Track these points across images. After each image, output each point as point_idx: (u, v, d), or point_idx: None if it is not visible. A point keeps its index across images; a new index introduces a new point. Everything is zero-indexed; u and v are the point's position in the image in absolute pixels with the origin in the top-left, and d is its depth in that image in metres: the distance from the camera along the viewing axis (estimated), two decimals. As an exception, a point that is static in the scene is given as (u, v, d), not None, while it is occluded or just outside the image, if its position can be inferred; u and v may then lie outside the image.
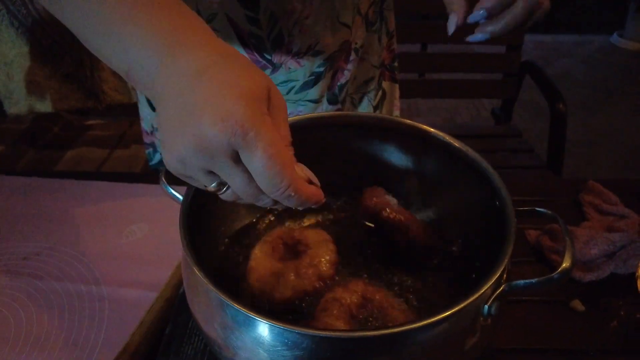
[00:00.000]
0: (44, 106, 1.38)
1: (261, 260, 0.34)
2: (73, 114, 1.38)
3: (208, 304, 0.25)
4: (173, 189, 0.34)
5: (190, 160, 0.26)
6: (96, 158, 1.20)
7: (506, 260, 0.24)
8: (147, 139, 0.77)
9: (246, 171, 0.26)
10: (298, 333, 0.21)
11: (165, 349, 0.37)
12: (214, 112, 0.24)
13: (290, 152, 0.27)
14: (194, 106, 0.25)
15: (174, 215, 0.60)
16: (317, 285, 0.32)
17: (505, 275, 0.25)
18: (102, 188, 0.67)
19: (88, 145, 1.24)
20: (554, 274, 0.23)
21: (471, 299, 0.22)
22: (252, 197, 0.27)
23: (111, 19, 0.28)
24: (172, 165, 0.27)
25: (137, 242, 0.58)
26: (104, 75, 1.34)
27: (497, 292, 0.23)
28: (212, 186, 0.28)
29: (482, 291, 0.22)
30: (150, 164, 0.79)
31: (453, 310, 0.21)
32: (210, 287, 0.23)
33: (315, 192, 0.28)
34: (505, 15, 0.39)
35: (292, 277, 0.32)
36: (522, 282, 0.23)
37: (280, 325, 0.21)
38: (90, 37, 0.30)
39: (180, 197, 0.30)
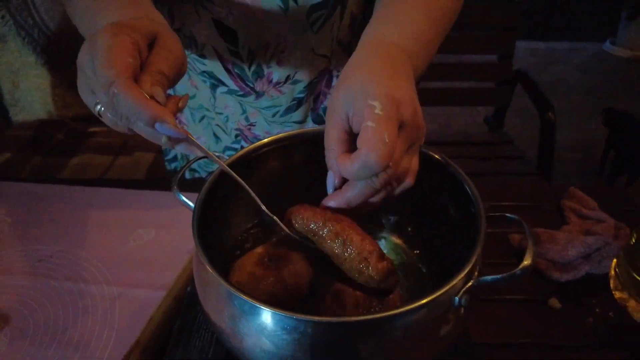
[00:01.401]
0: (49, 113, 1.41)
1: (245, 265, 0.36)
2: (77, 121, 1.41)
3: (218, 297, 0.29)
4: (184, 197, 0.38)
5: (79, 83, 0.34)
6: (100, 165, 1.23)
7: (474, 259, 0.27)
8: None
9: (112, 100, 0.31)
10: (296, 319, 0.24)
11: (175, 343, 0.40)
12: (88, 38, 0.32)
13: (132, 62, 0.31)
14: (83, 47, 0.33)
15: (178, 221, 0.64)
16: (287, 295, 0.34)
17: (475, 272, 0.28)
18: (109, 194, 0.71)
19: (92, 152, 1.27)
20: (516, 270, 0.27)
21: (443, 290, 0.25)
22: (107, 106, 0.32)
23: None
24: (81, 95, 0.35)
25: (144, 245, 0.61)
26: (108, 84, 1.38)
27: (467, 285, 0.27)
28: (95, 106, 0.34)
29: (452, 284, 0.26)
30: (165, 157, 0.83)
31: (427, 300, 0.25)
32: (221, 281, 0.27)
33: (147, 103, 0.30)
34: (347, 192, 0.35)
35: (269, 283, 0.34)
36: (489, 277, 0.27)
37: (281, 312, 0.25)
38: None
39: (191, 204, 0.34)
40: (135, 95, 0.30)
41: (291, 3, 0.53)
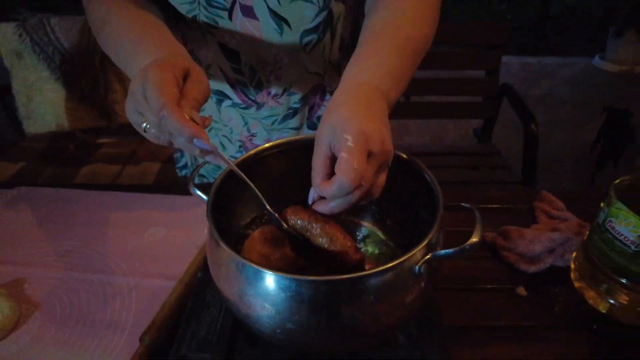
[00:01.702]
0: (60, 126, 1.49)
1: (254, 243, 0.44)
2: (86, 133, 1.49)
3: (229, 270, 0.35)
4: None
5: (128, 103, 0.42)
6: (109, 173, 1.30)
7: (430, 236, 0.34)
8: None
9: (149, 104, 0.39)
10: (290, 279, 0.31)
11: (188, 319, 0.47)
12: (141, 72, 0.41)
13: (177, 93, 0.40)
14: (135, 80, 0.42)
15: (186, 222, 0.71)
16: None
17: (435, 247, 0.35)
18: (122, 197, 0.78)
19: (101, 162, 1.35)
20: (465, 245, 0.33)
21: (405, 257, 0.32)
22: (154, 124, 0.40)
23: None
24: (127, 112, 0.44)
25: (156, 242, 0.68)
26: (117, 97, 1.46)
27: (426, 257, 0.33)
28: (141, 124, 0.42)
29: (412, 253, 0.33)
30: (176, 165, 0.90)
31: (392, 264, 0.31)
32: (233, 254, 0.33)
33: (189, 124, 0.38)
34: (328, 203, 0.41)
35: (277, 258, 0.43)
36: (442, 251, 0.34)
37: (279, 274, 0.31)
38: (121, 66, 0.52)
39: (205, 197, 0.41)
40: (180, 118, 0.38)
41: (286, 28, 0.61)
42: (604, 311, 0.55)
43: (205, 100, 0.43)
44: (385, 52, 0.46)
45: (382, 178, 0.39)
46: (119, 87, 1.44)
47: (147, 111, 0.40)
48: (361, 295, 0.32)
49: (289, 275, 0.31)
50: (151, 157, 1.35)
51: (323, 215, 0.41)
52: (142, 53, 0.48)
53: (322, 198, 0.40)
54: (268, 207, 0.42)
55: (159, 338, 0.49)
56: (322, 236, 0.42)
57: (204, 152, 0.40)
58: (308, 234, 0.42)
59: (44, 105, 1.47)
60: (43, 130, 1.50)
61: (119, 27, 0.53)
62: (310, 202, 0.42)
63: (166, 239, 0.68)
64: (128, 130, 1.52)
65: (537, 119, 1.35)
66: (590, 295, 0.56)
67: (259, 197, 0.41)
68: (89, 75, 1.44)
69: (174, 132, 0.39)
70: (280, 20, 0.60)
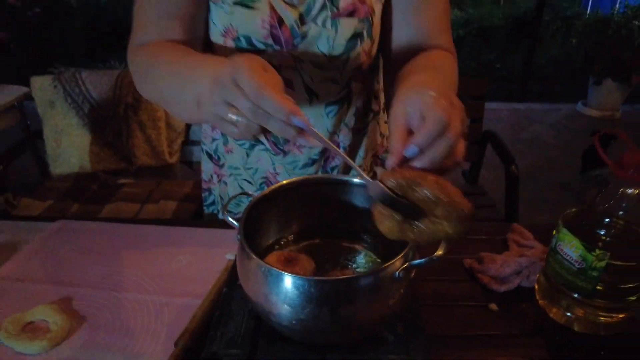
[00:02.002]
0: (82, 167, 1.63)
1: (271, 261, 0.55)
2: (107, 174, 1.63)
3: (257, 276, 0.47)
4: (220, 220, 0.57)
5: (214, 97, 0.44)
6: (130, 211, 1.42)
7: (406, 250, 0.46)
8: (204, 185, 1.00)
9: (242, 91, 0.42)
10: (301, 278, 0.42)
11: (216, 324, 0.57)
12: (228, 64, 0.44)
13: (268, 79, 0.42)
14: (218, 73, 0.45)
15: (209, 251, 0.82)
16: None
17: (411, 257, 0.47)
18: (151, 229, 0.89)
19: (122, 201, 1.48)
20: (433, 256, 0.45)
21: (387, 264, 0.44)
22: (248, 110, 0.42)
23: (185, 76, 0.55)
24: (209, 109, 0.46)
25: (183, 267, 0.79)
26: (137, 142, 1.61)
27: (403, 266, 0.45)
28: (229, 115, 0.44)
29: (392, 262, 0.44)
30: (205, 203, 1.01)
31: (378, 269, 0.43)
32: (260, 261, 0.45)
33: (288, 102, 0.40)
34: (429, 151, 0.42)
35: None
36: (416, 261, 0.46)
37: (295, 275, 0.43)
38: (171, 95, 0.58)
39: (236, 223, 0.53)
40: (278, 97, 0.41)
41: (314, 99, 0.76)
42: (563, 323, 0.66)
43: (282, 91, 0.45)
44: (430, 73, 0.59)
45: (462, 145, 0.42)
46: (140, 133, 1.59)
47: (240, 98, 0.42)
48: (355, 292, 0.44)
49: (301, 277, 0.43)
50: (168, 197, 1.48)
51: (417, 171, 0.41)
52: (207, 67, 0.51)
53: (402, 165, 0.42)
54: (363, 174, 0.46)
55: (192, 342, 0.60)
56: (430, 189, 0.41)
57: (299, 132, 0.42)
58: (409, 192, 0.42)
59: (71, 148, 1.62)
60: (67, 171, 1.63)
61: (169, 59, 0.58)
62: (389, 168, 0.42)
63: (192, 264, 0.80)
64: (145, 172, 1.66)
65: (525, 160, 1.50)
66: (552, 310, 0.67)
67: (346, 159, 0.46)
68: (113, 122, 1.60)
69: (272, 112, 0.41)
70: (311, 93, 0.75)
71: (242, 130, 0.45)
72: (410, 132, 0.43)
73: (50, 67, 1.59)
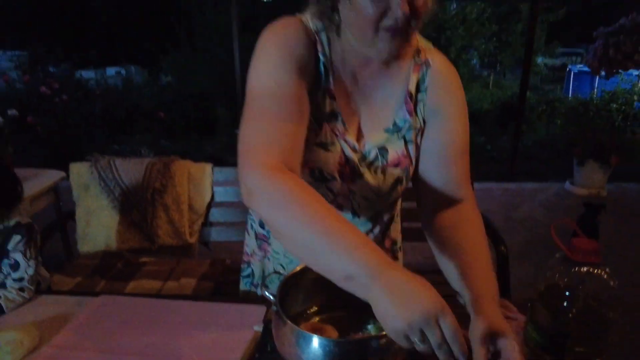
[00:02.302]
0: (109, 246, 1.78)
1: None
2: (131, 252, 1.77)
3: (291, 338, 0.60)
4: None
5: (416, 323, 0.51)
6: (153, 288, 1.54)
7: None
8: (245, 258, 1.12)
9: (439, 329, 0.52)
10: (325, 340, 0.55)
11: (251, 385, 0.69)
12: (428, 298, 0.53)
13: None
14: (413, 295, 0.53)
15: (237, 322, 0.94)
16: None
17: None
18: (184, 304, 1.02)
19: (145, 278, 1.60)
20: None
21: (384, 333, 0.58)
22: (436, 344, 0.51)
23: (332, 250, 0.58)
24: (399, 326, 0.52)
25: (214, 338, 0.91)
26: (160, 223, 1.77)
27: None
28: (416, 339, 0.52)
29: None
30: (242, 274, 1.12)
31: (382, 334, 0.57)
32: (294, 326, 0.59)
33: (464, 345, 0.53)
34: None
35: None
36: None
37: (321, 337, 0.56)
38: (308, 246, 0.61)
39: (272, 297, 0.68)
40: (464, 346, 0.53)
41: (356, 217, 0.94)
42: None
43: None
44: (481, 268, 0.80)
45: None
46: (164, 214, 1.76)
47: (437, 335, 0.51)
48: (366, 351, 0.57)
49: (325, 338, 0.57)
50: (187, 275, 1.60)
51: None
52: (359, 252, 0.56)
53: None
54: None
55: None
56: None
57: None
58: None
59: (99, 228, 1.78)
60: (94, 250, 1.77)
61: (323, 213, 0.60)
62: None
63: (222, 335, 0.91)
64: (165, 251, 1.80)
65: (517, 238, 1.63)
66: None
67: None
68: (140, 205, 1.77)
69: (455, 353, 0.52)
70: (355, 214, 0.94)
71: (415, 347, 0.54)
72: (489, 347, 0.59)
73: (88, 154, 1.82)
